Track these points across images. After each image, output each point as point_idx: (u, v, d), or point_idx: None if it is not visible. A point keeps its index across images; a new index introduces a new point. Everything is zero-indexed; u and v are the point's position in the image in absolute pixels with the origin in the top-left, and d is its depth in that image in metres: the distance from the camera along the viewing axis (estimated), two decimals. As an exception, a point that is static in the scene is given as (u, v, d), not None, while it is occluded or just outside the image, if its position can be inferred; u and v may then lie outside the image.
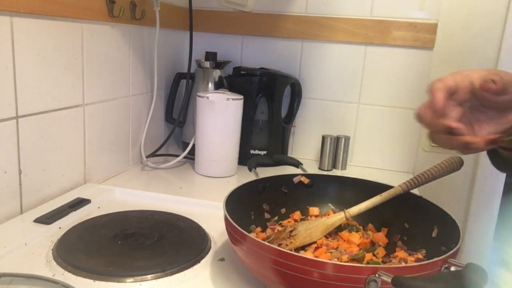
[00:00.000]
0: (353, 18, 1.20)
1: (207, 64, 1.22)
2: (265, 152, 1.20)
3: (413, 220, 0.68)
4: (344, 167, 1.22)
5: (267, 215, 0.73)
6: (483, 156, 1.05)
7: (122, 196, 0.91)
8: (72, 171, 0.90)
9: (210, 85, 1.22)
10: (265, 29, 1.27)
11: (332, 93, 1.25)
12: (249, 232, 0.66)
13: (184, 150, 1.14)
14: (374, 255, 0.64)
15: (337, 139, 1.20)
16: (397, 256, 0.64)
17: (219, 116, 1.06)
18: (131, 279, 0.60)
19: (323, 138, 1.20)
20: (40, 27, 0.77)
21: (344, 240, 0.67)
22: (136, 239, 0.70)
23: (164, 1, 1.15)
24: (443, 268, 0.50)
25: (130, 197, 0.91)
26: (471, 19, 1.12)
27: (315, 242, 0.65)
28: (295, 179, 0.76)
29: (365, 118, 1.24)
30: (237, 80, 1.19)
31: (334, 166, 1.22)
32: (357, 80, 1.23)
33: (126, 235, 0.71)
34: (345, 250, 0.64)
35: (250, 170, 0.79)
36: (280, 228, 0.71)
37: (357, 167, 1.24)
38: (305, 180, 0.76)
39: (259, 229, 0.70)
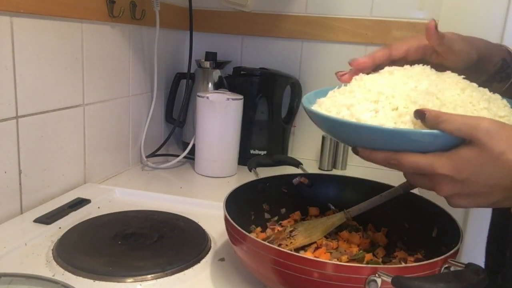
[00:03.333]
0: (353, 18, 1.20)
1: (207, 64, 1.22)
2: (265, 152, 1.20)
3: (413, 220, 0.68)
4: (344, 167, 1.22)
5: (267, 215, 0.73)
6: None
7: (122, 196, 0.91)
8: (72, 171, 0.90)
9: (210, 85, 1.22)
10: (265, 29, 1.27)
11: (332, 93, 1.25)
12: (249, 232, 0.66)
13: (184, 150, 1.14)
14: (374, 255, 0.64)
15: (337, 139, 1.21)
16: (397, 256, 0.64)
17: (219, 116, 1.06)
18: (131, 279, 0.60)
19: (323, 138, 1.20)
20: (40, 27, 0.77)
21: (344, 240, 0.67)
22: (136, 239, 0.70)
23: (164, 1, 1.15)
24: (443, 268, 0.50)
25: (130, 197, 0.91)
26: (471, 19, 1.12)
27: (315, 242, 0.65)
28: (295, 181, 0.75)
29: (365, 118, 1.24)
30: (237, 80, 1.19)
31: (334, 166, 1.22)
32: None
33: (126, 235, 0.71)
34: (345, 250, 0.64)
35: (250, 170, 0.79)
36: (280, 228, 0.71)
37: (357, 167, 1.24)
38: (305, 181, 0.76)
39: (259, 229, 0.70)
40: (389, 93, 0.53)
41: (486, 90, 0.56)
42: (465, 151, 0.46)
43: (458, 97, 0.52)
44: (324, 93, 0.62)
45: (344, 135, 0.56)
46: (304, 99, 0.61)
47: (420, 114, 0.48)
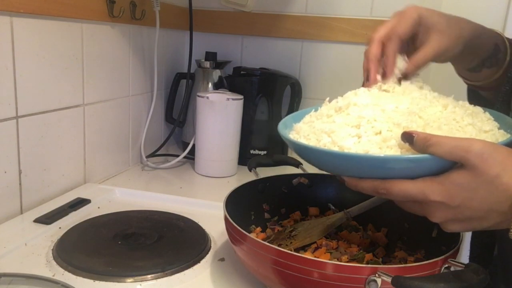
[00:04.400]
0: (353, 18, 1.20)
1: (207, 64, 1.22)
2: (265, 152, 1.20)
3: (413, 220, 0.68)
4: (344, 167, 1.22)
5: (267, 215, 0.73)
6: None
7: (122, 196, 0.91)
8: (72, 171, 0.90)
9: (210, 85, 1.22)
10: (265, 29, 1.27)
11: (332, 93, 1.25)
12: (249, 232, 0.66)
13: (184, 150, 1.14)
14: (374, 255, 0.64)
15: (337, 139, 1.20)
16: (397, 256, 0.64)
17: (219, 116, 1.06)
18: (131, 279, 0.60)
19: (323, 138, 1.20)
20: (40, 27, 0.77)
21: (344, 240, 0.67)
22: (136, 239, 0.70)
23: (164, 1, 1.15)
24: (443, 268, 0.50)
25: (130, 197, 0.91)
26: (471, 19, 1.12)
27: (315, 242, 0.65)
28: (295, 181, 0.75)
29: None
30: (237, 80, 1.19)
31: (334, 166, 1.21)
32: (357, 80, 1.22)
33: (126, 235, 0.71)
34: (345, 250, 0.64)
35: (250, 170, 0.79)
36: (280, 228, 0.71)
37: (357, 167, 1.24)
38: (305, 181, 0.76)
39: (259, 229, 0.70)
40: (370, 116, 0.50)
41: (466, 103, 0.54)
42: (457, 175, 0.44)
43: (441, 115, 0.50)
44: (301, 117, 0.59)
45: (328, 165, 0.52)
46: (281, 125, 0.58)
47: (407, 137, 0.45)
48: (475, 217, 0.45)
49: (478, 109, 0.54)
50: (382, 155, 0.47)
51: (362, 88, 0.57)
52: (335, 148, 0.49)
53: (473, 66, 0.63)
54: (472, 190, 0.43)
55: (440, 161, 0.44)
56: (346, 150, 0.48)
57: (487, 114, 0.53)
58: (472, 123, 0.49)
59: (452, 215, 0.45)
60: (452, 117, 0.50)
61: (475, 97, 0.71)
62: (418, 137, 0.45)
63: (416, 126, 0.48)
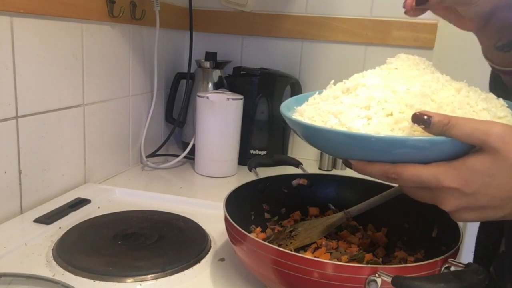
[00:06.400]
0: (353, 18, 1.20)
1: (207, 64, 1.22)
2: (265, 152, 1.20)
3: (413, 220, 0.68)
4: (344, 167, 1.22)
5: (267, 215, 0.73)
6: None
7: (122, 196, 0.91)
8: (72, 171, 0.90)
9: (210, 85, 1.22)
10: (265, 29, 1.27)
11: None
12: (249, 232, 0.66)
13: (184, 150, 1.14)
14: (374, 255, 0.64)
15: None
16: (397, 256, 0.64)
17: (219, 116, 1.06)
18: (131, 279, 0.60)
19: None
20: (40, 27, 0.77)
21: (344, 240, 0.67)
22: (136, 239, 0.70)
23: (164, 1, 1.15)
24: (443, 268, 0.50)
25: (130, 197, 0.91)
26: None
27: (315, 242, 0.65)
28: (294, 183, 0.75)
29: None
30: (237, 80, 1.19)
31: (334, 166, 1.22)
32: (357, 80, 1.23)
33: (126, 235, 0.71)
34: (345, 250, 0.64)
35: (250, 170, 0.79)
36: (280, 228, 0.71)
37: (357, 167, 1.24)
38: (304, 182, 0.76)
39: (259, 229, 0.70)
40: (381, 97, 0.48)
41: (478, 89, 0.52)
42: (474, 160, 0.41)
43: (454, 98, 0.48)
44: (304, 100, 0.57)
45: (335, 147, 0.49)
46: (283, 107, 0.56)
47: (421, 119, 0.43)
48: (490, 206, 0.43)
49: (491, 95, 0.52)
50: (396, 136, 0.45)
51: (370, 70, 0.55)
52: (343, 129, 0.47)
53: (503, 43, 0.58)
54: (490, 176, 0.41)
55: (457, 144, 0.42)
56: (355, 131, 0.46)
57: (501, 101, 0.51)
58: (486, 108, 0.48)
59: (466, 203, 0.43)
60: (466, 101, 0.48)
61: (498, 87, 0.66)
62: (435, 118, 0.42)
63: (430, 109, 0.46)
